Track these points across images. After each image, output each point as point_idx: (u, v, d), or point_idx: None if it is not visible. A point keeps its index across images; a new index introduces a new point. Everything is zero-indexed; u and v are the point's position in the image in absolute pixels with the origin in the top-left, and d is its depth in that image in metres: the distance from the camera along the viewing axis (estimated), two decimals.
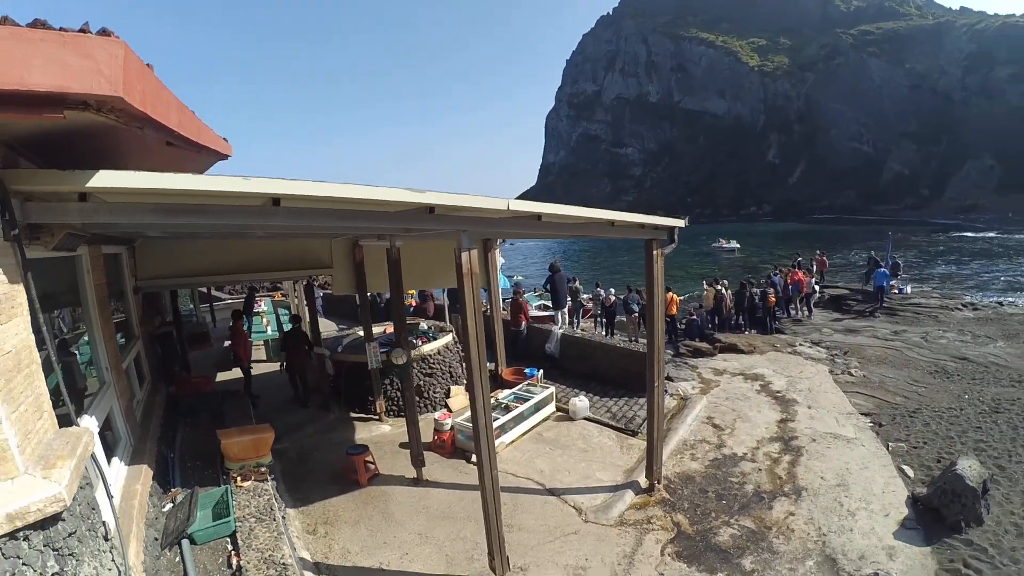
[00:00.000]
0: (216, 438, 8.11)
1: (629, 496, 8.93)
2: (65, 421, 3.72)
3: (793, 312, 24.98)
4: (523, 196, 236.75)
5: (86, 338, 6.57)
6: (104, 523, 3.75)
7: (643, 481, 9.27)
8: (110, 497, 3.99)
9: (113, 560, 3.71)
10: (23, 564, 2.78)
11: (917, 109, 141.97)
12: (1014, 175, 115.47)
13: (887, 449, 10.80)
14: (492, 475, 6.18)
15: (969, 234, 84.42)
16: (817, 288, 26.60)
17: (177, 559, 5.90)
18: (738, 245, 74.53)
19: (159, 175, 3.12)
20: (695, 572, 7.19)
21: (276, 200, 3.83)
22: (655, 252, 8.28)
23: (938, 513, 8.22)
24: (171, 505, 6.78)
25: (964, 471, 8.28)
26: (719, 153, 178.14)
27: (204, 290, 24.07)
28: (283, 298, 25.28)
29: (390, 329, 13.90)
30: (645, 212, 8.39)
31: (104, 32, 2.54)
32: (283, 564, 5.35)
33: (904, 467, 10.00)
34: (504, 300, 18.33)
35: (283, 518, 7.30)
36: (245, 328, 14.95)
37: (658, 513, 8.56)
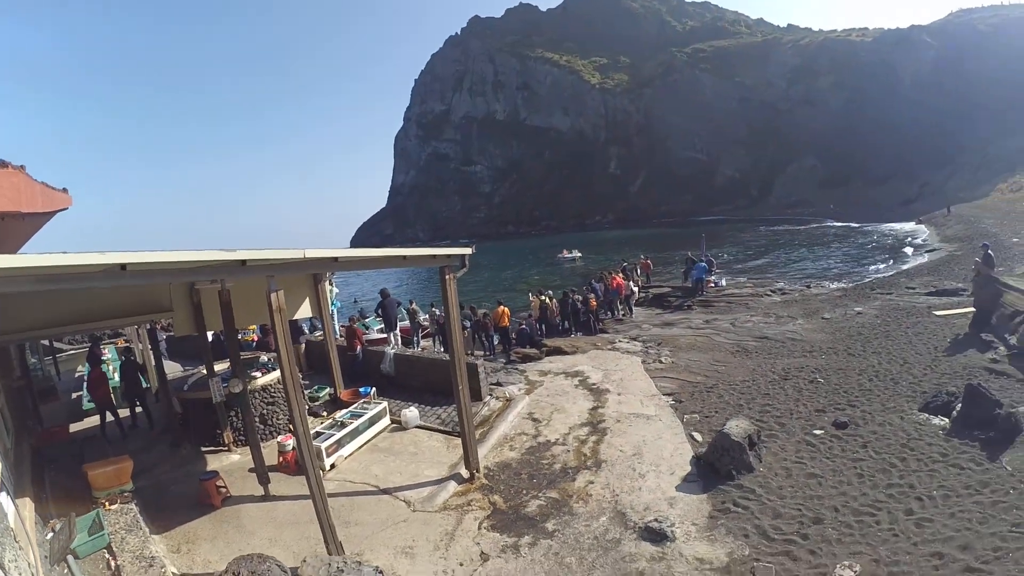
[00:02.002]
0: (82, 475, 8.91)
1: (452, 486, 10.35)
2: None
3: (616, 313, 27.17)
4: (373, 218, 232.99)
5: None
6: (12, 529, 4.70)
7: (465, 473, 10.72)
8: (15, 505, 4.93)
9: (23, 559, 4.64)
10: None
11: (746, 118, 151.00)
12: (834, 172, 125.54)
13: (682, 421, 12.72)
14: (316, 473, 7.48)
15: (792, 227, 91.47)
16: (635, 290, 28.86)
17: (66, 571, 6.77)
18: (579, 254, 77.14)
19: (41, 256, 4.29)
20: (506, 538, 8.65)
21: (123, 266, 5.03)
22: (448, 277, 9.79)
23: (713, 467, 10.09)
24: (52, 534, 7.55)
25: (730, 430, 10.25)
26: (564, 167, 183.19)
27: (46, 342, 23.64)
28: (127, 344, 25.06)
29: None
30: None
31: (2, 164, 3.69)
32: (152, 557, 6.43)
33: (694, 434, 11.94)
34: (340, 327, 19.18)
35: (148, 530, 8.23)
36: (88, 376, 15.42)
37: (477, 496, 10.01)
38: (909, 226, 68.57)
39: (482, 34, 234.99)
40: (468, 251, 10.07)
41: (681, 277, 35.07)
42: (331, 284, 16.66)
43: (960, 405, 11.00)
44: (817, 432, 11.31)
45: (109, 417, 14.59)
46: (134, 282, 5.47)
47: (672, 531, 8.28)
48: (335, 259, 7.54)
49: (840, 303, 25.48)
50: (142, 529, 7.31)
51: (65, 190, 5.78)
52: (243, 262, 6.46)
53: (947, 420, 10.99)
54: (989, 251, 19.63)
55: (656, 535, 8.24)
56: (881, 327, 19.52)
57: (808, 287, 33.00)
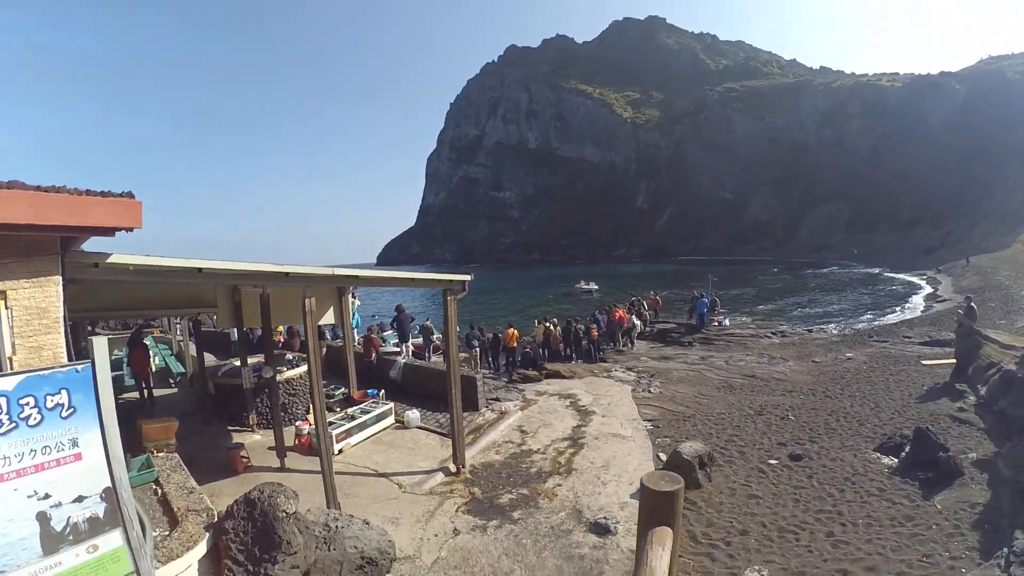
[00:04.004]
0: (136, 429, 10.73)
1: (440, 476, 12.03)
2: None
3: (618, 344, 28.63)
4: (402, 237, 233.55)
5: None
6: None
7: (452, 467, 12.42)
8: None
9: None
10: None
11: (775, 159, 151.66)
12: (861, 216, 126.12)
13: (653, 443, 14.18)
14: (328, 445, 9.27)
15: (814, 270, 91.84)
16: (638, 323, 30.46)
17: None
18: (596, 286, 78.01)
19: (141, 257, 6.05)
20: (477, 520, 10.26)
21: (199, 270, 6.83)
22: (449, 299, 11.63)
23: None
24: None
25: (683, 449, 11.81)
26: (593, 198, 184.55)
27: (89, 328, 25.67)
28: (162, 334, 26.87)
29: (261, 359, 16.43)
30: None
31: (130, 194, 5.43)
32: (192, 487, 8.11)
33: (660, 454, 13.34)
34: (359, 336, 20.96)
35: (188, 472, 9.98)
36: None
37: (460, 487, 11.67)
38: (927, 275, 68.68)
39: (518, 63, 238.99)
40: (468, 277, 11.94)
41: (687, 314, 36.25)
42: (354, 297, 18.43)
43: (908, 447, 12.04)
44: (772, 461, 12.63)
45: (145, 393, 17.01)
46: (206, 281, 7.25)
47: (616, 527, 9.84)
48: (356, 276, 9.41)
49: (835, 348, 26.57)
50: (184, 471, 8.98)
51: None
52: (287, 274, 8.32)
53: (896, 460, 11.99)
54: (972, 304, 20.49)
55: (602, 529, 9.79)
56: (865, 373, 20.61)
57: (810, 331, 34.06)
